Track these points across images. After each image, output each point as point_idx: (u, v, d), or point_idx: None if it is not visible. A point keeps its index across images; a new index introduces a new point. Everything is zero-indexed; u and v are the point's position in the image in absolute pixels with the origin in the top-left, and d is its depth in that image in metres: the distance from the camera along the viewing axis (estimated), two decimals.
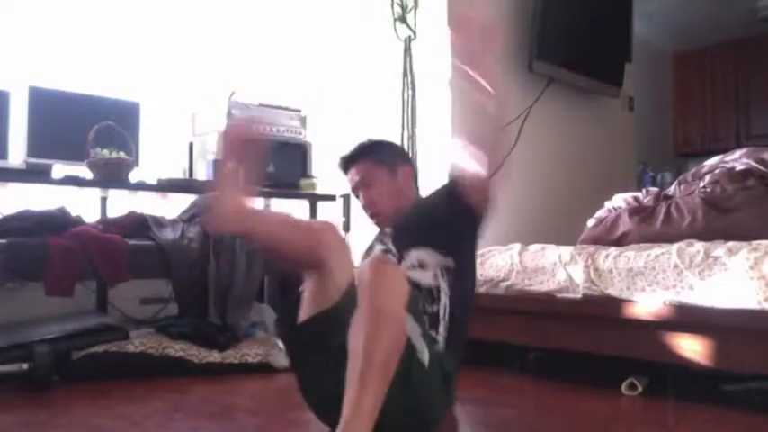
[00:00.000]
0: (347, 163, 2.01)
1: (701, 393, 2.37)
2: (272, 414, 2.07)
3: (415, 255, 1.75)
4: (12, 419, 1.95)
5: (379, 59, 3.72)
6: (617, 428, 1.97)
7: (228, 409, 2.12)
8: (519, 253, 2.62)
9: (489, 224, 1.77)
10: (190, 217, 2.99)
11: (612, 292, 2.34)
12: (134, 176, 3.05)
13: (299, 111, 3.65)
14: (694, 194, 2.61)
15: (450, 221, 1.74)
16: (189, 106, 3.51)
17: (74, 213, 2.79)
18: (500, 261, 2.64)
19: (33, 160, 2.86)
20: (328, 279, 1.47)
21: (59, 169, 2.90)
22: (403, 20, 3.46)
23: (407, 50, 3.48)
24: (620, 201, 2.90)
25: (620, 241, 2.63)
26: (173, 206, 3.16)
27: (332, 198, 3.66)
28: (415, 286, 1.65)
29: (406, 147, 3.39)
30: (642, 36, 5.04)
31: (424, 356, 1.52)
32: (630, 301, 2.30)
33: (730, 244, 2.17)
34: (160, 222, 2.92)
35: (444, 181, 1.90)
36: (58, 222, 2.66)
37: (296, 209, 3.58)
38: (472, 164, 1.66)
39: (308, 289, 1.52)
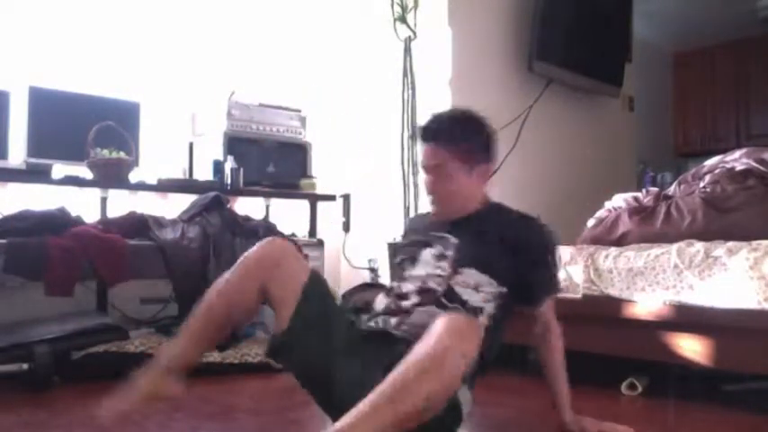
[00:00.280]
0: (428, 136, 1.78)
1: (701, 393, 2.37)
2: (272, 414, 2.07)
3: (474, 276, 1.67)
4: (12, 419, 1.95)
5: (379, 59, 3.72)
6: None
7: (228, 409, 2.12)
8: None
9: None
10: (190, 217, 2.98)
11: (612, 292, 2.34)
12: (134, 176, 3.05)
13: (299, 111, 3.65)
14: (694, 194, 2.61)
15: (525, 274, 1.71)
16: (189, 106, 3.51)
17: (74, 213, 2.79)
18: None
19: (33, 160, 2.86)
20: (286, 287, 1.60)
21: (59, 169, 2.90)
22: (403, 20, 3.46)
23: (407, 50, 3.48)
24: (620, 201, 2.89)
25: (620, 241, 2.63)
26: (173, 206, 3.16)
27: (332, 198, 3.66)
28: (461, 302, 1.63)
29: (405, 147, 3.39)
30: (642, 36, 5.04)
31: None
32: (630, 301, 2.30)
33: (730, 244, 2.17)
34: (160, 222, 2.92)
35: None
36: (58, 222, 2.66)
37: (296, 209, 3.59)
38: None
39: (274, 303, 1.63)
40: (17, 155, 2.93)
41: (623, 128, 4.72)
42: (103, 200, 3.02)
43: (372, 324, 1.67)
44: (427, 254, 1.75)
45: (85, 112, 3.03)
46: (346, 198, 3.82)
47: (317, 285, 1.66)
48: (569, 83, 3.97)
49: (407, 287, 1.71)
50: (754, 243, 2.11)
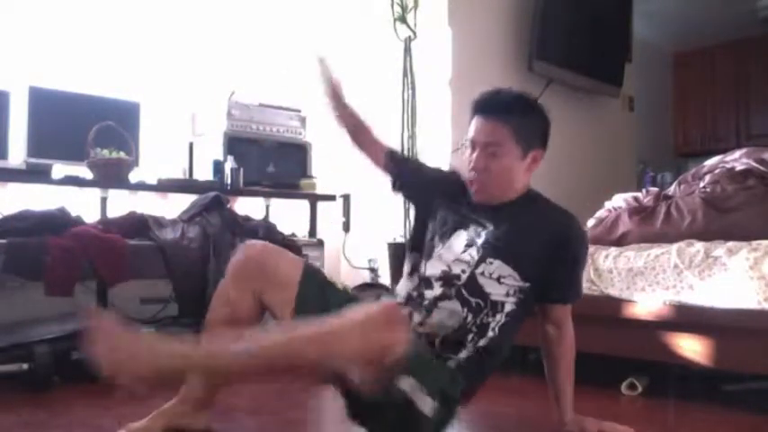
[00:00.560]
0: (490, 109, 1.67)
1: (701, 393, 2.37)
2: (272, 414, 2.07)
3: (499, 267, 1.63)
4: (12, 419, 1.95)
5: (379, 59, 3.72)
6: None
7: (228, 409, 2.12)
8: None
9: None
10: (190, 217, 2.98)
11: (612, 292, 2.34)
12: (134, 176, 3.05)
13: (299, 111, 3.65)
14: (694, 194, 2.61)
15: (553, 271, 1.68)
16: (189, 106, 3.51)
17: (74, 213, 2.79)
18: None
19: (33, 160, 2.86)
20: (278, 293, 1.61)
21: (59, 169, 2.90)
22: (403, 20, 3.46)
23: (407, 50, 3.48)
24: (620, 201, 2.89)
25: (620, 241, 2.63)
26: (173, 206, 3.16)
27: (332, 198, 3.66)
28: (481, 295, 1.61)
29: (405, 147, 3.39)
30: (642, 36, 5.04)
31: (426, 407, 1.45)
32: (630, 301, 2.30)
33: (730, 244, 2.17)
34: (160, 222, 2.92)
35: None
36: (58, 222, 2.66)
37: (296, 209, 3.58)
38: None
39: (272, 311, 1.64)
40: (17, 155, 2.93)
41: (623, 128, 4.72)
42: (103, 200, 3.02)
43: None
44: (461, 237, 1.69)
45: (85, 112, 3.03)
46: (346, 198, 3.82)
47: (312, 279, 1.65)
48: (569, 83, 3.97)
49: (432, 270, 1.68)
50: (754, 243, 2.11)
